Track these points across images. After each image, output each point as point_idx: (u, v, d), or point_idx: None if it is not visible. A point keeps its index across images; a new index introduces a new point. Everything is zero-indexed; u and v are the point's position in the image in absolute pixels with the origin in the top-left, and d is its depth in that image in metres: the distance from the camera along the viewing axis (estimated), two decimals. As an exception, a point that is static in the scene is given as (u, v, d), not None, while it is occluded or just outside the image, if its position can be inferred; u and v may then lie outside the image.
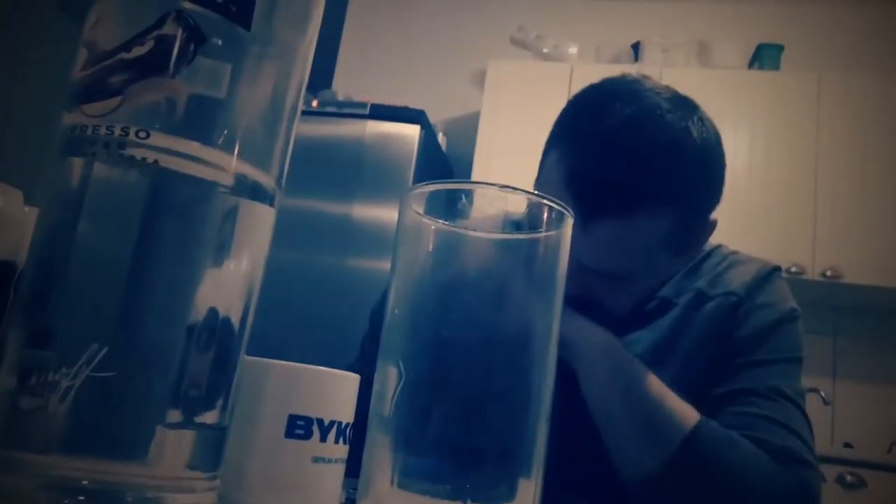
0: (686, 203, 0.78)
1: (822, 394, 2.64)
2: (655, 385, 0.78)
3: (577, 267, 0.78)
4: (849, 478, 2.21)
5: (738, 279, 0.91)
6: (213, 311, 0.30)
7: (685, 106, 0.79)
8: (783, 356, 0.87)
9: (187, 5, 0.30)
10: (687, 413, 0.77)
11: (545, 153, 0.84)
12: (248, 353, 0.35)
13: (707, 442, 0.76)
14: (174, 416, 0.29)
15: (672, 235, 0.78)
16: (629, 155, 0.75)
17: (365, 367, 0.41)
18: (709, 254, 0.95)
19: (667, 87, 0.81)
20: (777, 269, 0.95)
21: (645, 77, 0.83)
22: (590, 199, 0.74)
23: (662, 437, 0.76)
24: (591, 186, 0.75)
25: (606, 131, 0.76)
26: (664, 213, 0.76)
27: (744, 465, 0.76)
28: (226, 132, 0.31)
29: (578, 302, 0.80)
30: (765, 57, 2.96)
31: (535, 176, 0.87)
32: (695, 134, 0.77)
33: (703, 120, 0.79)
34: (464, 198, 0.37)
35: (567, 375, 0.80)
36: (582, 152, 0.77)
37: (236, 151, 0.31)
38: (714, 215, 0.84)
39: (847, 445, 2.56)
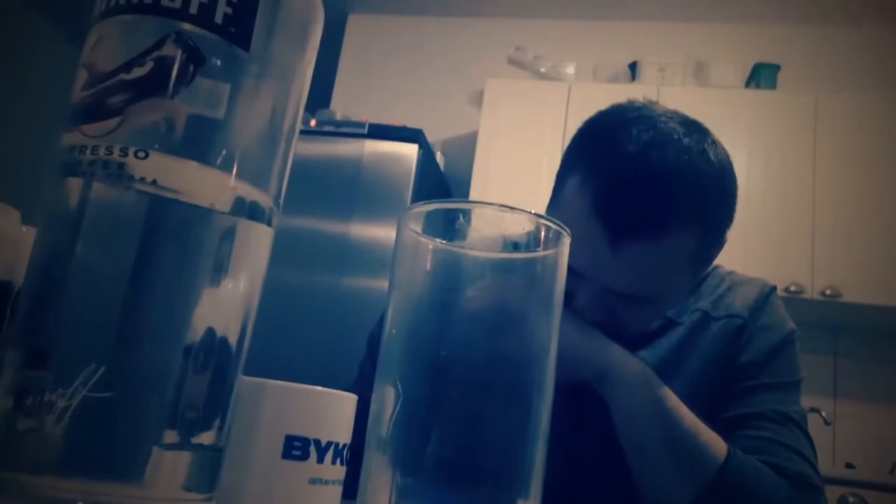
0: (710, 222, 0.81)
1: (823, 414, 2.63)
2: (689, 416, 0.79)
3: (604, 293, 0.79)
4: (851, 499, 2.19)
5: (740, 301, 0.93)
6: (210, 331, 0.30)
7: (698, 129, 0.81)
8: (787, 380, 0.89)
9: (187, 27, 0.30)
10: (718, 444, 0.78)
11: (562, 179, 0.84)
12: (246, 374, 0.35)
13: (738, 472, 0.77)
14: (171, 436, 0.29)
15: (697, 254, 0.81)
16: (655, 179, 0.76)
17: (364, 389, 0.41)
18: (706, 275, 0.97)
19: (675, 112, 0.83)
20: (774, 288, 0.97)
21: (652, 102, 0.85)
22: (619, 224, 0.75)
23: (697, 469, 0.77)
24: (621, 211, 0.76)
25: (629, 157, 0.76)
26: (691, 233, 0.78)
27: (769, 493, 0.78)
28: (224, 152, 0.31)
29: (600, 329, 0.81)
30: (761, 76, 2.98)
31: (549, 200, 0.87)
32: (712, 156, 0.79)
33: (715, 142, 0.81)
34: (462, 217, 0.37)
35: (572, 395, 0.81)
36: (607, 178, 0.78)
37: (234, 171, 0.31)
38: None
39: (849, 466, 2.54)
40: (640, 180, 0.76)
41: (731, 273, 0.99)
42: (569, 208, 0.80)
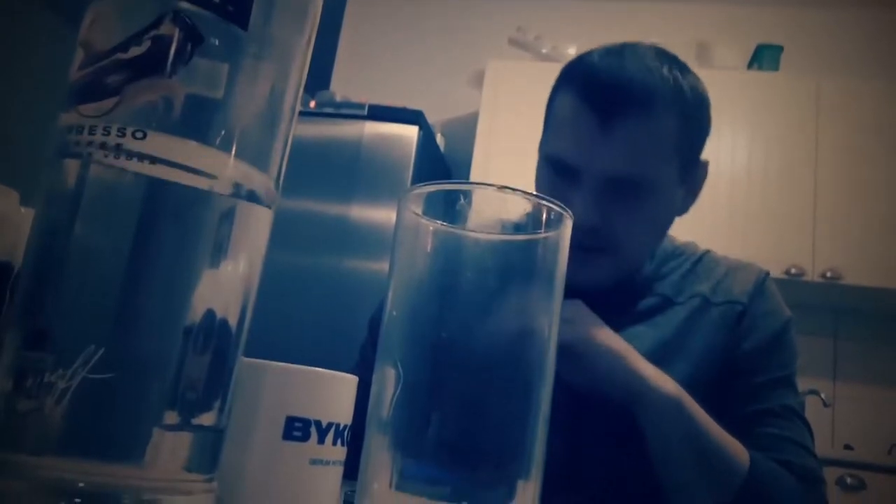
0: (687, 113, 0.87)
1: (823, 396, 2.64)
2: (715, 429, 0.80)
3: (600, 188, 0.83)
4: (849, 480, 2.21)
5: (738, 286, 0.94)
6: (210, 313, 0.30)
7: (669, 53, 0.92)
8: (789, 371, 0.91)
9: (184, 5, 0.30)
10: (742, 453, 0.81)
11: (551, 105, 0.93)
12: (246, 355, 0.35)
13: (761, 479, 0.81)
14: (171, 417, 0.29)
15: (681, 148, 0.87)
16: (633, 67, 0.85)
17: (365, 373, 0.41)
18: (700, 258, 0.99)
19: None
20: (768, 273, 0.99)
21: None
22: (606, 105, 0.84)
23: (726, 480, 0.80)
24: (606, 94, 0.84)
25: (608, 58, 0.87)
26: (671, 116, 0.85)
27: (786, 494, 0.82)
28: (223, 132, 0.31)
29: (596, 241, 0.84)
30: (764, 58, 2.96)
31: (542, 135, 0.94)
32: (683, 65, 0.91)
33: (686, 65, 0.92)
34: (462, 199, 0.37)
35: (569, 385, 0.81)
36: (590, 74, 0.87)
37: (233, 152, 0.31)
38: (704, 157, 0.95)
39: (847, 447, 2.56)
40: (619, 69, 0.85)
41: (724, 257, 1.00)
42: (560, 115, 0.89)
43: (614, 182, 0.84)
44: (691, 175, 0.93)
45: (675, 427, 0.80)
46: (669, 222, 0.94)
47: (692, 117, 0.89)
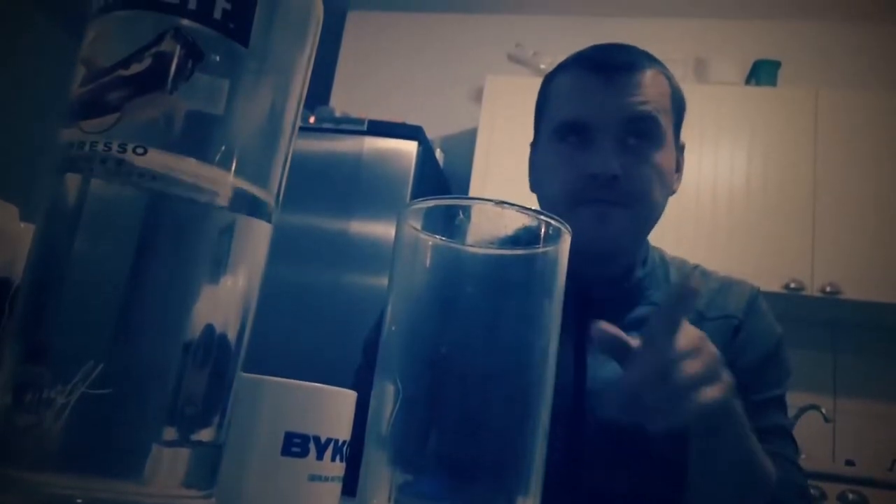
0: (672, 80, 0.96)
1: (823, 411, 2.63)
2: (753, 441, 0.79)
3: (615, 130, 0.89)
4: (851, 496, 2.19)
5: (732, 302, 0.95)
6: (209, 328, 0.30)
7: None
8: (782, 391, 0.93)
9: (185, 22, 0.30)
10: (768, 461, 0.81)
11: (546, 87, 1.01)
12: (245, 370, 0.35)
13: (782, 488, 0.82)
14: (170, 433, 0.29)
15: (672, 105, 0.94)
16: (624, 45, 0.97)
17: (361, 395, 0.41)
18: (692, 272, 1.01)
19: None
20: (759, 289, 1.01)
21: None
22: (605, 65, 0.92)
23: (760, 490, 0.81)
24: (605, 57, 0.94)
25: (600, 45, 0.99)
26: (663, 77, 0.94)
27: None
28: (223, 148, 0.31)
29: (615, 192, 0.87)
30: (762, 73, 2.97)
31: (535, 133, 1.01)
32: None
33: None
34: (461, 214, 0.37)
35: (574, 394, 0.81)
36: (583, 54, 0.97)
37: (233, 167, 0.31)
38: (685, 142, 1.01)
39: (849, 463, 2.54)
40: (612, 45, 0.97)
41: (715, 272, 1.02)
42: (561, 89, 0.97)
43: (628, 124, 0.89)
44: (679, 147, 0.97)
45: (729, 443, 0.76)
46: (669, 190, 0.96)
47: (676, 88, 0.96)
